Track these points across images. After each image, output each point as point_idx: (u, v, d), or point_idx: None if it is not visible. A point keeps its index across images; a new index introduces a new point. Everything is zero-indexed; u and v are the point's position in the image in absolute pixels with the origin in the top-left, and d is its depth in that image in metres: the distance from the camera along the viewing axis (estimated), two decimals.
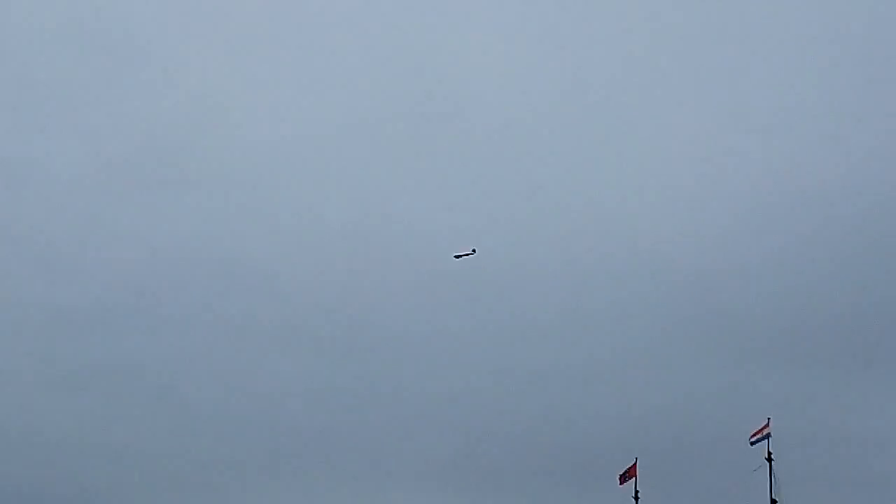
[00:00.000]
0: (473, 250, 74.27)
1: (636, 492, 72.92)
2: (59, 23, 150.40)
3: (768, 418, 69.04)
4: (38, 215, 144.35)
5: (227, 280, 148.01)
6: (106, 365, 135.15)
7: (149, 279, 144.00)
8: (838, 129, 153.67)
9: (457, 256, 77.54)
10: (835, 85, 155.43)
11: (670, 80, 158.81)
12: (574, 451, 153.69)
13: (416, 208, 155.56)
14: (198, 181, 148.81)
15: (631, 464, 73.89)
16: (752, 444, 67.75)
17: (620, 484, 73.62)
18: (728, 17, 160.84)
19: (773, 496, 65.88)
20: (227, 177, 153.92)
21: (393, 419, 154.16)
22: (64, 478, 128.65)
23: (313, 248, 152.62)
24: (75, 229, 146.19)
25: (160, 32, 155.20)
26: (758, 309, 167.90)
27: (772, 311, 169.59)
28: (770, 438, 67.31)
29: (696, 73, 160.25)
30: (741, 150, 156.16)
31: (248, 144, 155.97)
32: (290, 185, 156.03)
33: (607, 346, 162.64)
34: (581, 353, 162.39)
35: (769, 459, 66.53)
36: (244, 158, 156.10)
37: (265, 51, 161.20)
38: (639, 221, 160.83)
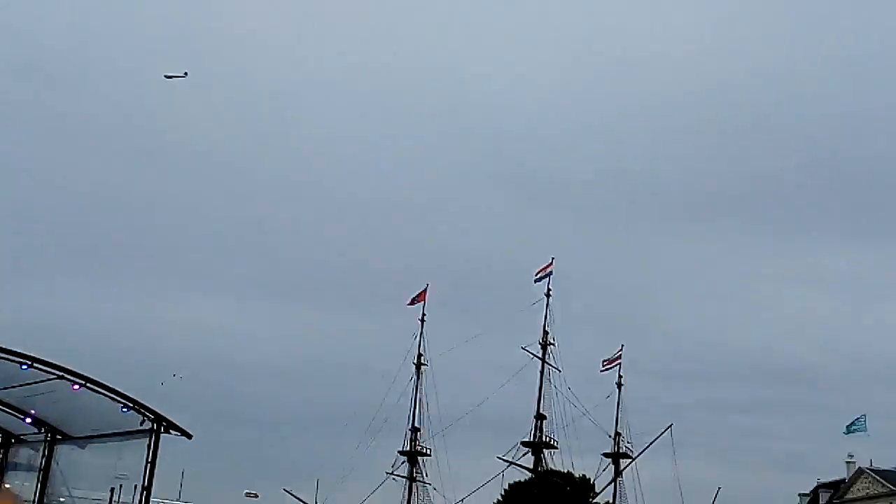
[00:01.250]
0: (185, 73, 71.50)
1: (423, 314, 76.68)
2: None
3: (552, 258, 73.72)
4: None
5: None
6: None
7: None
8: None
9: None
10: None
11: None
12: (370, 275, 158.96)
13: None
14: None
15: (422, 289, 77.31)
16: (536, 280, 72.08)
17: (409, 304, 77.10)
18: None
19: (546, 328, 71.14)
20: None
21: (191, 234, 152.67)
22: None
23: None
24: None
25: None
26: (551, 159, 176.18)
27: (565, 162, 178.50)
28: (551, 276, 71.86)
29: None
30: None
31: None
32: None
33: (418, 185, 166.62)
34: (389, 188, 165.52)
35: (547, 295, 71.31)
36: None
37: None
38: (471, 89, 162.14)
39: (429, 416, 74.17)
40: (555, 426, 69.01)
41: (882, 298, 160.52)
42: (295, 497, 69.30)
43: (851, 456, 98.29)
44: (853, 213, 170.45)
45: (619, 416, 69.55)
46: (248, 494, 73.56)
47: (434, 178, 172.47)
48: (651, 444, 64.66)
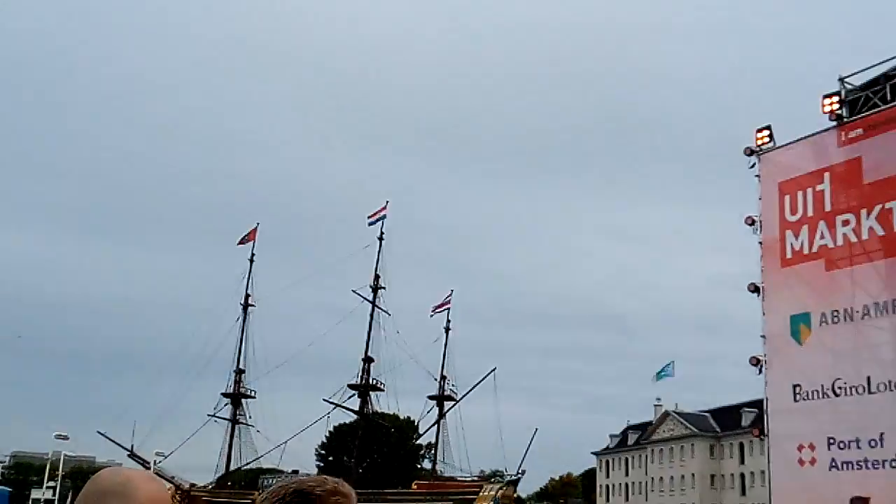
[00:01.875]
0: None
1: (252, 254, 74.68)
2: None
3: (387, 201, 73.22)
4: None
5: None
6: None
7: None
8: None
9: None
10: None
11: None
12: (198, 211, 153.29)
13: None
14: None
15: (252, 227, 75.13)
16: (370, 223, 71.36)
17: (239, 244, 74.80)
18: None
19: (378, 271, 70.73)
20: None
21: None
22: None
23: None
24: None
25: None
26: (390, 102, 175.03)
27: (404, 107, 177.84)
28: (385, 220, 71.37)
29: None
30: None
31: None
32: None
33: (250, 121, 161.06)
34: (217, 121, 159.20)
35: (380, 238, 70.80)
36: None
37: None
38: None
39: (255, 358, 72.59)
40: (382, 369, 69.13)
41: (690, 253, 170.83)
42: (109, 439, 66.39)
43: (659, 400, 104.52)
44: (668, 175, 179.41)
45: (446, 359, 70.40)
46: (58, 436, 69.56)
47: (268, 116, 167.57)
48: (474, 387, 65.89)
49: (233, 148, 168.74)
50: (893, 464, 17.74)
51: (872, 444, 18.19)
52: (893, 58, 20.02)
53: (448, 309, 70.83)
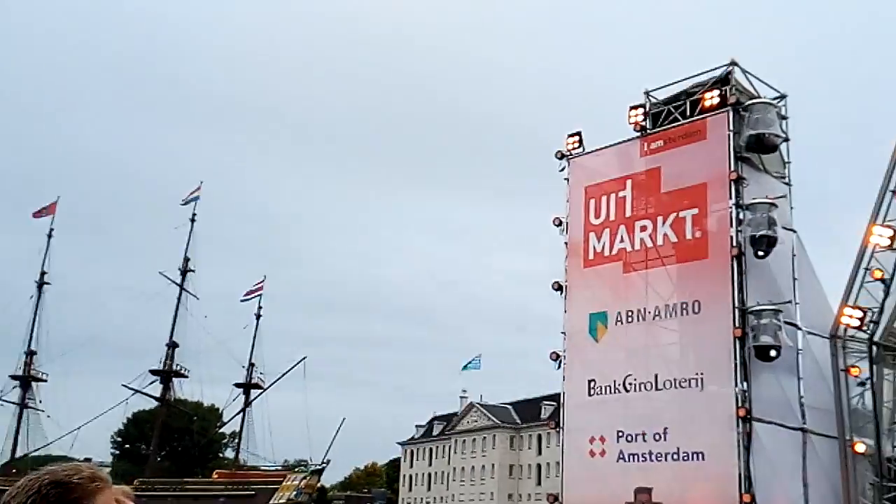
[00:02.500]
0: None
1: (51, 229, 70.37)
2: None
3: (201, 182, 71.04)
4: None
5: None
6: None
7: None
8: None
9: None
10: None
11: None
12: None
13: None
14: None
15: (52, 201, 70.64)
16: (183, 204, 68.99)
17: (35, 216, 70.05)
18: None
19: (187, 254, 68.38)
20: None
21: None
22: None
23: None
24: None
25: None
26: (208, 80, 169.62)
27: (222, 87, 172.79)
28: (198, 201, 69.17)
29: None
30: None
31: None
32: None
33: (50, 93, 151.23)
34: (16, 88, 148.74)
35: (192, 220, 68.52)
36: None
37: None
38: None
39: (49, 339, 68.30)
40: (187, 355, 66.82)
41: (504, 249, 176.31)
42: None
43: (465, 392, 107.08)
44: (488, 173, 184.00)
45: (255, 347, 68.90)
46: None
47: (73, 89, 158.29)
48: (283, 375, 64.89)
49: (33, 118, 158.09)
50: (675, 456, 18.94)
51: (657, 437, 19.35)
52: (694, 76, 21.32)
53: (260, 296, 69.39)
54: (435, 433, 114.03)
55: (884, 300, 19.25)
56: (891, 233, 18.64)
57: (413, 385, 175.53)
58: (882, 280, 19.02)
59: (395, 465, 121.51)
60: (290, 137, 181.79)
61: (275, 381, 65.97)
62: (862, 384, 19.61)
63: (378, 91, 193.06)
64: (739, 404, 17.94)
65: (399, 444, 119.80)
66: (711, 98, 20.32)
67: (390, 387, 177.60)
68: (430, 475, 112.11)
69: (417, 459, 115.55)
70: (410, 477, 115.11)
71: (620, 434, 20.04)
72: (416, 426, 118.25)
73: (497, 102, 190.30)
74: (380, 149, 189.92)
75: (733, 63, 20.62)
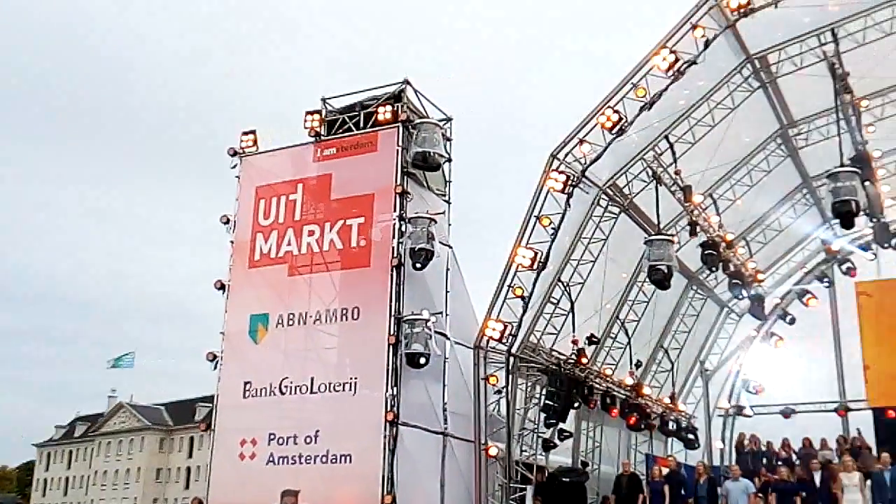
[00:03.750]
0: None
1: None
2: None
3: None
4: None
5: None
6: None
7: None
8: None
9: None
10: None
11: None
12: None
13: None
14: None
15: None
16: None
17: None
18: None
19: None
20: None
21: None
22: None
23: None
24: None
25: None
26: None
27: None
28: None
29: None
30: None
31: None
32: None
33: None
34: None
35: None
36: None
37: None
38: None
39: None
40: None
41: (174, 244, 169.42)
42: None
43: (114, 390, 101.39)
44: (166, 166, 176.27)
45: None
46: None
47: None
48: None
49: None
50: (324, 459, 19.27)
51: (308, 440, 19.57)
52: (371, 89, 21.98)
53: None
54: (77, 434, 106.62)
55: (522, 315, 21.13)
56: (532, 254, 20.52)
57: (59, 383, 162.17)
58: (521, 297, 20.87)
59: (29, 468, 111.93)
60: None
61: None
62: (499, 392, 21.35)
63: (49, 69, 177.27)
64: (388, 409, 18.65)
65: (34, 445, 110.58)
66: (384, 113, 21.04)
67: (33, 384, 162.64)
68: (68, 479, 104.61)
69: (54, 462, 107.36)
70: (45, 481, 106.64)
71: (272, 436, 20.00)
72: (57, 427, 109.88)
73: (176, 96, 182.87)
74: (45, 136, 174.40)
75: (406, 82, 21.53)
